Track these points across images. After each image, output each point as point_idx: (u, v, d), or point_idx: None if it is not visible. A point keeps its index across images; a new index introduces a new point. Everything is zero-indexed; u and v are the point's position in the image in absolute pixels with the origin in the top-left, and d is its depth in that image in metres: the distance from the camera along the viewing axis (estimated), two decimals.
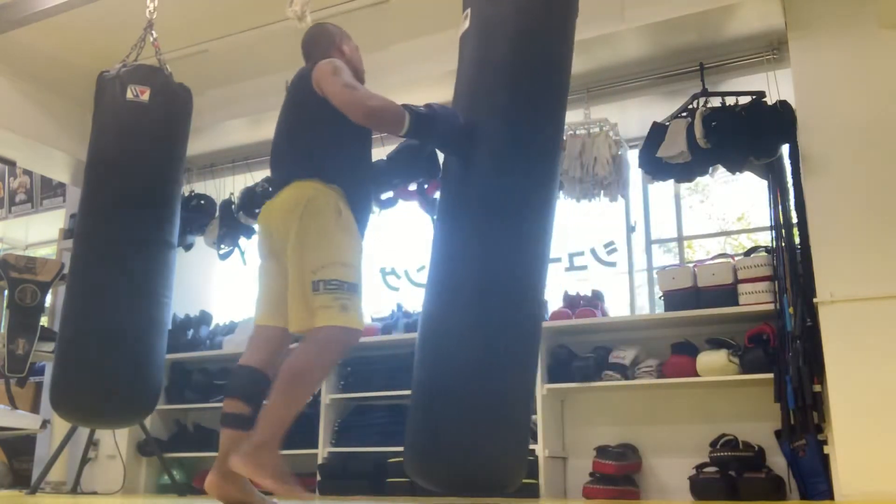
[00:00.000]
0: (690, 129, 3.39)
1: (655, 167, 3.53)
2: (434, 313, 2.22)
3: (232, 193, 4.71)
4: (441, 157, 2.62)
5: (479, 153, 2.21)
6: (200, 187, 4.91)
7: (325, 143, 2.41)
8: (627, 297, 4.26)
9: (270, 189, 2.52)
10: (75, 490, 4.22)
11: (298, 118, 2.52)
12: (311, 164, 2.40)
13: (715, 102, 3.53)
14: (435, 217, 2.39)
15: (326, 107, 2.35)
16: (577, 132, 3.90)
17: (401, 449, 4.05)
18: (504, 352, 2.07)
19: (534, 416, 3.72)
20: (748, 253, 3.68)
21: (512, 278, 2.12)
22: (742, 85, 3.63)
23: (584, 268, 4.15)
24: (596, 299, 3.93)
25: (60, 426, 4.15)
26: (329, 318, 2.20)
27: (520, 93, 2.22)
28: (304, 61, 2.71)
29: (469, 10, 2.41)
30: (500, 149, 2.19)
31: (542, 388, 3.70)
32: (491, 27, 2.31)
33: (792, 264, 3.32)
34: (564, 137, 3.88)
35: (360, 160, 2.49)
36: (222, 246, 4.67)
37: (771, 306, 3.36)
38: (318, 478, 4.07)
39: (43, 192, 5.99)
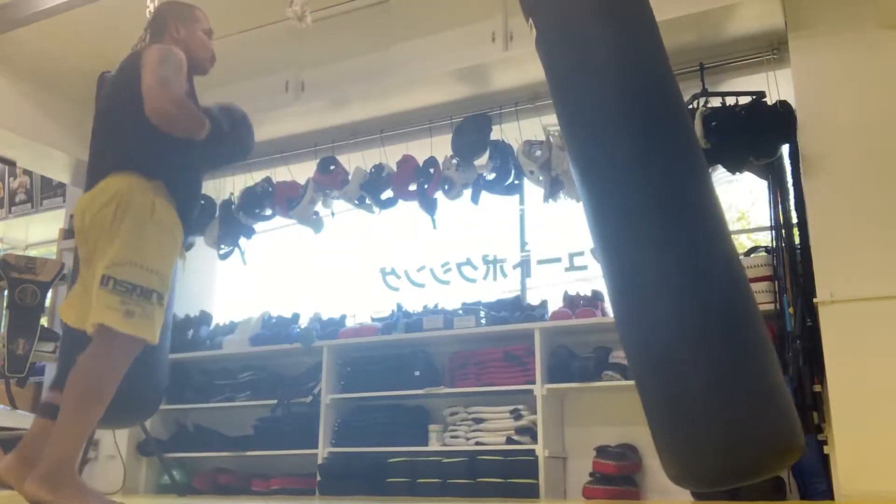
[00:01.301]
0: None
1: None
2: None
3: (232, 193, 4.71)
4: None
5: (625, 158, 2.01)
6: None
7: (146, 134, 2.24)
8: None
9: (87, 182, 2.38)
10: None
11: (119, 105, 2.37)
12: (131, 155, 2.27)
13: (715, 102, 3.53)
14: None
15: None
16: None
17: (401, 449, 4.06)
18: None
19: (534, 416, 3.72)
20: (748, 253, 3.69)
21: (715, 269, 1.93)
22: (742, 85, 3.63)
23: (584, 268, 4.15)
24: (596, 299, 3.93)
25: None
26: (112, 320, 2.04)
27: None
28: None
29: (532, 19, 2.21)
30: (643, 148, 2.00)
31: (542, 388, 3.70)
32: (571, 30, 2.12)
33: (792, 264, 3.32)
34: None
35: (184, 152, 2.32)
36: (222, 246, 4.66)
37: (771, 306, 3.36)
38: (318, 478, 4.07)
39: (43, 192, 5.99)
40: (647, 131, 2.00)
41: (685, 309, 1.88)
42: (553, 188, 3.84)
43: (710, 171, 2.10)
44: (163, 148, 2.26)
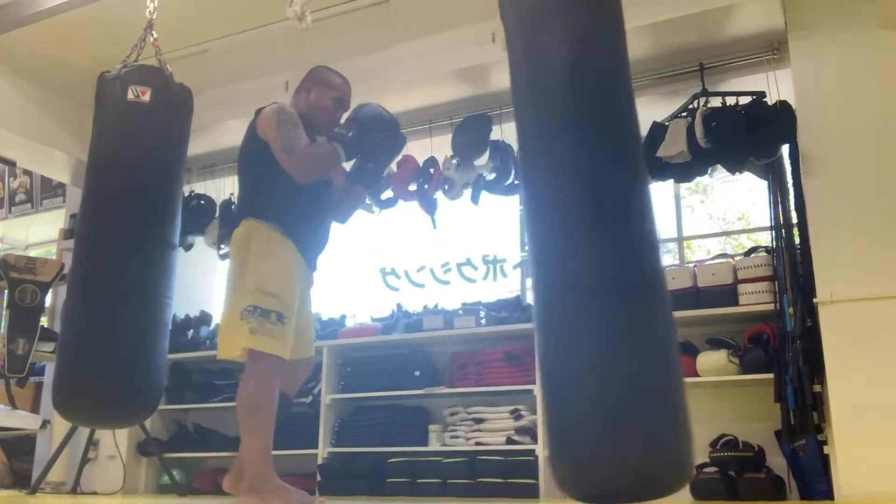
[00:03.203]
0: (691, 129, 3.39)
1: (655, 167, 3.53)
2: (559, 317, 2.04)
3: (232, 193, 4.70)
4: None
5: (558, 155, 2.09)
6: (200, 187, 4.91)
7: (260, 184, 2.56)
8: None
9: None
10: (75, 490, 4.22)
11: (241, 158, 2.68)
12: (249, 205, 2.57)
13: (715, 102, 3.53)
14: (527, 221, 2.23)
15: (262, 149, 2.51)
16: None
17: (401, 449, 4.07)
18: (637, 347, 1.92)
19: (534, 416, 3.72)
20: (748, 253, 3.69)
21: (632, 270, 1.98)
22: (742, 85, 3.63)
23: None
24: None
25: (60, 426, 4.15)
26: (259, 343, 2.34)
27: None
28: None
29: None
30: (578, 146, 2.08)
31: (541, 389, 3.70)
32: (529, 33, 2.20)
33: (792, 264, 3.32)
34: None
35: (297, 197, 2.54)
36: (222, 246, 4.66)
37: (771, 306, 3.36)
38: (318, 478, 4.07)
39: (43, 192, 5.99)
40: (584, 140, 2.05)
41: (596, 317, 1.93)
42: None
43: (647, 186, 2.16)
44: (275, 195, 2.52)
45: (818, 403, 3.10)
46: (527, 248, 2.22)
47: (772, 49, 3.64)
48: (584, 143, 2.07)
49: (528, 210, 2.18)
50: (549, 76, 2.14)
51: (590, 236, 2.00)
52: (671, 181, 3.71)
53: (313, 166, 2.49)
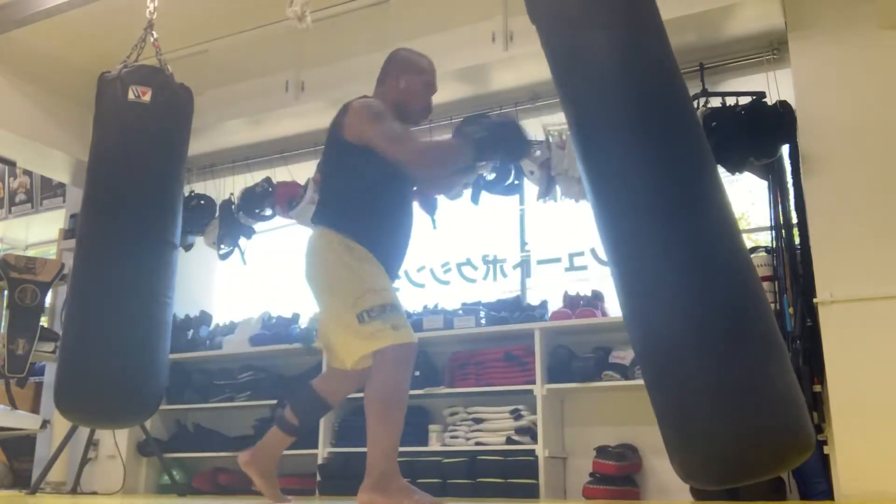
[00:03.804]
0: None
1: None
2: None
3: (232, 193, 4.71)
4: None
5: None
6: (200, 187, 4.91)
7: (343, 193, 2.45)
8: None
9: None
10: (75, 490, 4.22)
11: (324, 160, 2.57)
12: (328, 211, 2.47)
13: (715, 102, 3.53)
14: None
15: (346, 153, 2.41)
16: None
17: (401, 449, 4.05)
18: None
19: (534, 416, 3.72)
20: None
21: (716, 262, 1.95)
22: (742, 85, 3.63)
23: (584, 268, 4.16)
24: (596, 299, 3.93)
25: (60, 426, 4.15)
26: (385, 339, 2.27)
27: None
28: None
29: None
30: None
31: (542, 388, 3.70)
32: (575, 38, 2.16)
33: (792, 264, 3.32)
34: (564, 137, 3.89)
35: (374, 211, 2.44)
36: (222, 246, 4.67)
37: (771, 306, 3.35)
38: (318, 478, 4.07)
39: (43, 192, 5.99)
40: (652, 132, 2.02)
41: (691, 308, 1.89)
42: (548, 186, 3.85)
43: (716, 168, 2.11)
44: (359, 207, 2.43)
45: (818, 403, 3.09)
46: (604, 251, 2.15)
47: (772, 49, 3.64)
48: (656, 138, 2.03)
49: (603, 211, 2.10)
50: (602, 75, 2.09)
51: (675, 228, 1.96)
52: None
53: (434, 159, 2.34)
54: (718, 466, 1.85)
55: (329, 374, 2.61)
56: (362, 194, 2.42)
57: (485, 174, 4.05)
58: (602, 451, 3.55)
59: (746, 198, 4.90)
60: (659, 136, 2.01)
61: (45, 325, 4.49)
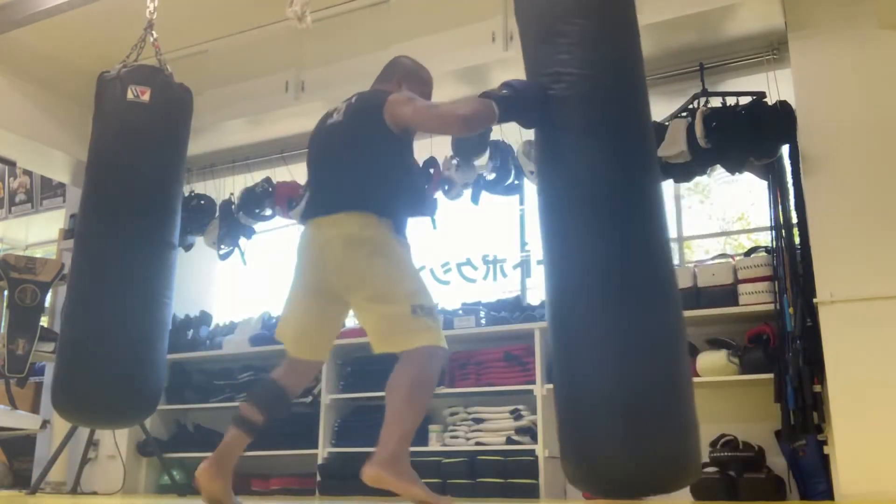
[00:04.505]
0: (691, 129, 3.39)
1: (659, 168, 3.53)
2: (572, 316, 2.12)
3: (232, 193, 4.71)
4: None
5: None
6: (200, 187, 4.91)
7: (383, 176, 2.42)
8: None
9: (306, 214, 2.54)
10: (75, 490, 4.22)
11: (357, 147, 2.46)
12: (366, 195, 2.39)
13: (715, 102, 3.53)
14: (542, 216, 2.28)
15: (387, 139, 2.40)
16: None
17: None
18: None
19: (534, 416, 3.72)
20: (748, 253, 3.68)
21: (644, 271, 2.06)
22: (742, 85, 3.63)
23: None
24: None
25: (60, 426, 4.15)
26: (429, 339, 2.30)
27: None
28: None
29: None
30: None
31: (542, 389, 3.70)
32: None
33: (792, 264, 3.32)
34: None
35: (412, 192, 2.50)
36: (222, 246, 4.66)
37: (771, 306, 3.36)
38: (318, 478, 4.07)
39: (43, 192, 5.99)
40: (601, 138, 2.14)
41: (607, 318, 2.01)
42: None
43: (660, 182, 2.24)
44: (395, 189, 2.42)
45: (818, 403, 3.09)
46: (541, 250, 2.24)
47: (772, 49, 3.64)
48: (598, 145, 2.11)
49: (542, 211, 2.20)
50: (563, 79, 2.17)
51: (601, 237, 2.03)
52: (671, 181, 3.70)
53: (469, 115, 2.27)
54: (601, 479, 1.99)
55: (293, 365, 2.53)
56: (404, 183, 2.45)
57: (485, 174, 4.05)
58: None
59: (746, 198, 4.90)
60: (603, 146, 2.13)
61: (46, 325, 4.49)
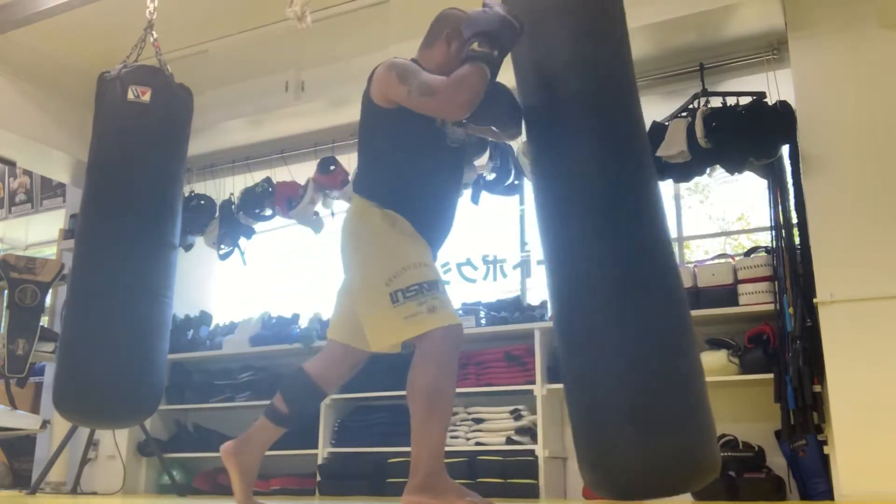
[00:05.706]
0: (691, 129, 3.39)
1: (655, 167, 3.53)
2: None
3: (232, 193, 4.71)
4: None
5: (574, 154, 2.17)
6: (200, 187, 4.91)
7: (375, 160, 2.29)
8: None
9: None
10: (75, 490, 4.22)
11: (360, 127, 2.37)
12: (365, 180, 2.30)
13: (715, 102, 3.53)
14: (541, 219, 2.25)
15: (378, 117, 2.24)
16: None
17: (401, 449, 4.06)
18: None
19: (534, 417, 3.72)
20: (748, 253, 3.69)
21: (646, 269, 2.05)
22: (742, 85, 3.63)
23: None
24: None
25: (60, 426, 4.15)
26: (422, 324, 2.04)
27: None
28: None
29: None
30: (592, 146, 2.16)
31: (542, 389, 3.70)
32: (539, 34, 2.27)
33: (792, 264, 3.32)
34: None
35: (419, 177, 2.26)
36: (222, 246, 4.66)
37: (771, 306, 3.36)
38: (318, 478, 4.07)
39: (43, 192, 5.99)
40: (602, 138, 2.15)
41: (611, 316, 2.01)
42: None
43: (657, 181, 2.28)
44: (395, 176, 2.24)
45: (818, 403, 3.10)
46: (541, 250, 2.23)
47: (772, 49, 3.64)
48: (593, 143, 2.10)
49: (540, 210, 2.18)
50: (555, 76, 2.17)
51: (602, 237, 2.02)
52: (670, 181, 3.70)
53: (466, 93, 2.09)
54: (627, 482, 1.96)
55: (331, 351, 2.38)
56: (399, 161, 2.24)
57: (485, 174, 4.05)
58: None
59: (746, 198, 4.90)
60: (597, 144, 2.14)
61: (46, 325, 4.49)
